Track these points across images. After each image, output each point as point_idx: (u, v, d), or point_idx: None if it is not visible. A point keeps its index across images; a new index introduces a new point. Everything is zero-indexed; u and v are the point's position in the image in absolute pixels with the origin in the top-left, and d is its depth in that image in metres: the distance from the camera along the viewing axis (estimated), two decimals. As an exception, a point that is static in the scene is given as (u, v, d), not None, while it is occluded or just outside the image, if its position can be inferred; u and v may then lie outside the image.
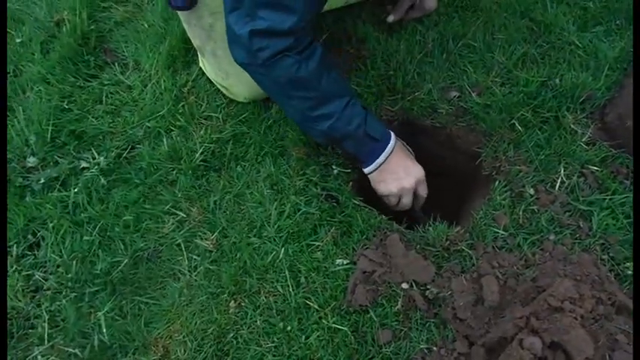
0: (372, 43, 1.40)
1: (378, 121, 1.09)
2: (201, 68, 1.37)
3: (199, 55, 1.32)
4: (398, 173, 1.10)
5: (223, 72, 1.24)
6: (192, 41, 1.27)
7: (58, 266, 1.11)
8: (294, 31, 0.91)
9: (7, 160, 1.24)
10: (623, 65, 1.29)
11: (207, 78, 1.36)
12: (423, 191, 1.16)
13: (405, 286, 1.03)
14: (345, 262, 1.08)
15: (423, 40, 1.41)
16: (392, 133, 1.09)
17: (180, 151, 1.25)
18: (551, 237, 1.06)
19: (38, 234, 1.16)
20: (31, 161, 1.25)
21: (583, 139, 1.18)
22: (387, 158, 1.08)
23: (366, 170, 1.11)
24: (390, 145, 1.07)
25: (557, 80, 1.27)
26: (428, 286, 1.03)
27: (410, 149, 1.15)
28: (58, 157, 1.27)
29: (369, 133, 1.04)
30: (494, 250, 1.06)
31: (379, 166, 1.09)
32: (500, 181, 1.16)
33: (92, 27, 1.50)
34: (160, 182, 1.22)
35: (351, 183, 1.20)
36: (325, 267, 1.08)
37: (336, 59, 1.36)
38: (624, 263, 1.03)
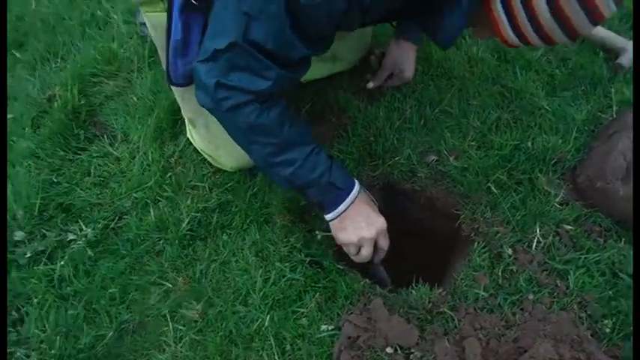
0: (353, 111, 1.47)
1: (343, 170, 1.09)
2: (188, 139, 1.42)
3: (188, 126, 1.37)
4: (359, 222, 1.08)
5: (213, 144, 1.29)
6: (184, 114, 1.33)
7: (42, 342, 1.11)
8: (260, 92, 0.94)
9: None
10: (590, 128, 1.36)
11: (195, 148, 1.41)
12: (384, 243, 1.13)
13: (389, 350, 1.04)
14: (330, 328, 1.08)
15: (401, 107, 1.48)
16: (356, 182, 1.09)
17: (167, 221, 1.28)
18: (530, 296, 1.08)
19: (22, 310, 1.16)
20: (18, 236, 1.27)
21: (557, 200, 1.23)
22: (348, 207, 1.07)
23: (327, 217, 1.10)
24: (352, 193, 1.07)
25: (530, 143, 1.33)
26: (412, 350, 1.03)
27: (374, 200, 1.14)
28: (45, 230, 1.29)
29: (333, 181, 1.04)
30: (475, 312, 1.08)
31: (340, 214, 1.07)
32: (479, 242, 1.19)
33: (83, 102, 1.56)
34: (147, 253, 1.24)
35: (334, 248, 1.22)
36: (310, 333, 1.08)
37: (319, 128, 1.42)
38: (602, 321, 1.05)
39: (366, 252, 1.10)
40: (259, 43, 0.85)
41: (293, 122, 1.01)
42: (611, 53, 1.50)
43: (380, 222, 1.09)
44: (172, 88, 1.25)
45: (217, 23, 0.91)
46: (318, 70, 1.41)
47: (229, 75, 0.92)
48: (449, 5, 0.83)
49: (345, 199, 1.05)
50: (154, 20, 1.16)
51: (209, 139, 1.30)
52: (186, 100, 1.26)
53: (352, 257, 1.13)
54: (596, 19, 0.79)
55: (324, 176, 1.03)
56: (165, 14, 1.08)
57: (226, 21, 0.87)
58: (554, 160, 1.29)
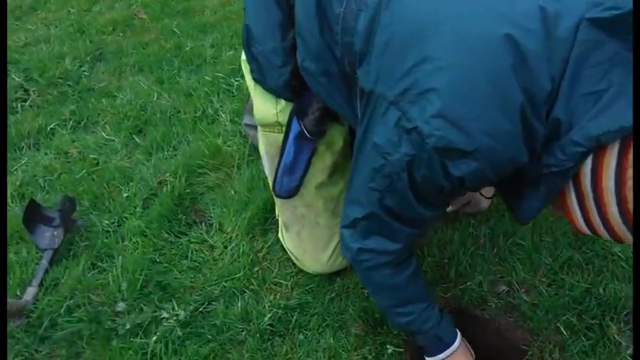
0: (429, 231, 1.58)
1: (450, 325, 1.20)
2: (277, 238, 1.56)
3: (281, 228, 1.51)
4: None
5: (301, 249, 1.42)
6: (280, 217, 1.48)
7: (131, 413, 1.21)
8: (395, 252, 1.07)
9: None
10: (663, 281, 1.40)
11: (282, 247, 1.55)
12: None
13: None
14: None
15: (475, 234, 1.57)
16: (458, 336, 1.20)
17: (251, 313, 1.39)
18: None
19: (119, 379, 1.28)
20: (121, 306, 1.42)
21: (628, 352, 1.25)
22: (448, 357, 1.17)
23: (426, 358, 1.21)
24: (454, 346, 1.17)
25: (602, 289, 1.38)
26: None
27: (472, 352, 1.24)
28: (144, 304, 1.43)
29: (440, 335, 1.16)
30: None
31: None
32: (546, 382, 1.23)
33: (188, 190, 1.76)
34: (230, 341, 1.35)
35: (404, 365, 1.29)
36: None
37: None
38: None
39: None
40: (393, 210, 0.97)
41: (417, 280, 1.14)
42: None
43: None
44: (274, 195, 1.42)
45: (354, 191, 1.03)
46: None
47: (367, 239, 1.05)
48: (529, 189, 0.90)
49: (446, 350, 1.17)
50: (270, 137, 1.33)
51: (298, 244, 1.44)
52: (285, 208, 1.41)
53: None
54: None
55: (433, 329, 1.15)
56: (281, 135, 1.26)
57: (362, 193, 0.99)
58: (627, 310, 1.33)
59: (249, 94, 1.99)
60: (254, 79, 1.23)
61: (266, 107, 1.24)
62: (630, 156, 0.74)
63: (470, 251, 1.52)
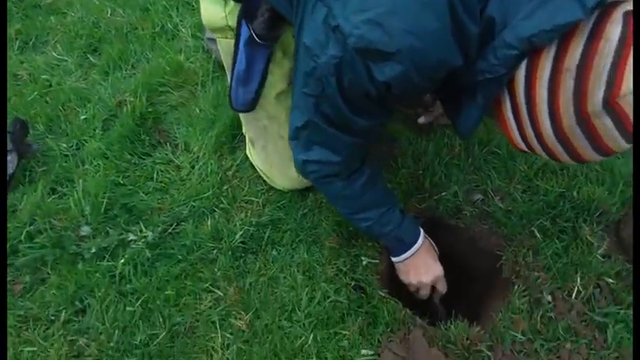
0: (404, 143, 1.53)
1: (412, 226, 1.20)
2: (246, 155, 1.50)
3: (248, 144, 1.45)
4: (419, 269, 1.22)
5: (268, 164, 1.37)
6: (245, 132, 1.41)
7: (101, 334, 1.19)
8: (340, 163, 1.04)
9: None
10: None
11: (251, 164, 1.49)
12: (442, 288, 1.27)
13: (426, 381, 1.09)
14: (369, 353, 1.14)
15: (450, 144, 1.53)
16: (421, 234, 1.21)
17: (221, 232, 1.35)
18: (568, 345, 1.12)
19: (85, 301, 1.24)
20: (85, 230, 1.36)
21: (599, 252, 1.26)
22: (411, 255, 1.20)
23: (393, 260, 1.24)
24: (416, 246, 1.19)
25: (575, 193, 1.37)
26: (448, 384, 1.08)
27: (435, 248, 1.27)
28: (110, 228, 1.38)
29: (400, 237, 1.18)
30: (512, 354, 1.12)
31: (404, 260, 1.21)
32: (519, 285, 1.23)
33: (150, 109, 1.66)
34: (201, 260, 1.32)
35: (379, 275, 1.28)
36: (351, 356, 1.14)
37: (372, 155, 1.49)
38: (638, 378, 1.07)
39: (423, 293, 1.25)
40: (329, 116, 0.93)
41: (373, 188, 1.13)
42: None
43: (437, 270, 1.23)
44: None
45: (295, 98, 0.99)
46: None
47: (310, 150, 1.02)
48: (467, 98, 0.85)
49: (409, 250, 1.19)
50: (223, 44, 1.23)
51: (265, 159, 1.38)
52: (248, 120, 1.34)
53: (412, 293, 1.27)
54: (603, 152, 0.75)
55: (393, 231, 1.17)
56: (233, 41, 1.16)
57: (300, 99, 0.95)
58: (599, 211, 1.33)
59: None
60: None
61: (214, 9, 1.14)
62: (567, 60, 0.68)
63: (445, 161, 1.48)
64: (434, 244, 1.27)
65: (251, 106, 1.23)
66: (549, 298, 1.20)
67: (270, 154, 1.35)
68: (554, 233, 1.31)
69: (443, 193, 1.42)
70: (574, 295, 1.20)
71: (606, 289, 1.21)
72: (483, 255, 1.36)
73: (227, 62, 1.26)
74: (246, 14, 1.08)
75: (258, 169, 1.45)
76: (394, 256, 1.22)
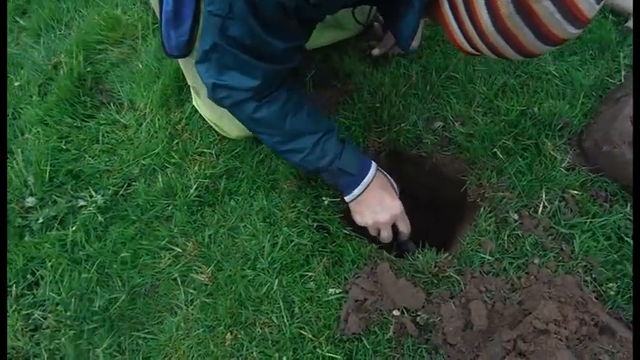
0: (358, 77, 1.46)
1: (357, 155, 1.11)
2: (194, 106, 1.42)
3: (193, 94, 1.37)
4: (374, 207, 1.11)
5: (217, 113, 1.29)
6: (188, 81, 1.32)
7: (57, 304, 1.14)
8: (253, 89, 0.97)
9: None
10: (598, 93, 1.35)
11: (201, 115, 1.41)
12: (403, 227, 1.17)
13: (396, 313, 1.06)
14: (337, 292, 1.11)
15: (407, 74, 1.47)
16: (372, 167, 1.11)
17: (175, 187, 1.29)
18: (536, 260, 1.10)
19: (37, 273, 1.19)
20: (30, 201, 1.29)
21: (563, 165, 1.23)
22: (363, 191, 1.10)
23: (345, 199, 1.14)
24: (366, 179, 1.09)
25: (536, 109, 1.33)
26: (418, 313, 1.06)
27: (393, 183, 1.17)
28: (57, 196, 1.31)
29: (343, 168, 1.07)
30: (481, 275, 1.09)
31: (355, 197, 1.11)
32: (485, 208, 1.20)
33: (88, 69, 1.56)
34: (156, 218, 1.26)
35: (341, 214, 1.24)
36: (318, 297, 1.11)
37: (324, 94, 1.42)
38: (607, 284, 1.06)
39: (384, 235, 1.14)
40: (238, 40, 0.86)
41: (297, 113, 1.04)
42: (621, 17, 1.47)
43: (395, 207, 1.12)
44: (179, 60, 1.25)
45: (203, 21, 0.91)
46: (322, 37, 1.40)
47: (222, 75, 0.95)
48: (405, 6, 0.81)
49: (358, 184, 1.08)
50: None
51: (212, 108, 1.30)
52: (188, 69, 1.25)
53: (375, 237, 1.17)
54: (550, 41, 0.70)
55: (334, 163, 1.06)
56: None
57: (207, 21, 0.88)
58: (561, 125, 1.29)
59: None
60: None
61: None
62: None
63: (402, 92, 1.42)
64: (391, 180, 1.17)
65: (186, 50, 1.13)
66: (515, 216, 1.18)
67: None
68: (517, 152, 1.27)
69: (402, 124, 1.37)
70: (540, 211, 1.18)
71: (571, 201, 1.18)
72: (447, 182, 1.33)
73: (156, 7, 1.16)
74: None
75: (207, 120, 1.37)
76: (345, 194, 1.12)
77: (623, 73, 1.37)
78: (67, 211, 1.28)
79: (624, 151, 1.14)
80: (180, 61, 1.26)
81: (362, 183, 1.09)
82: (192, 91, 1.37)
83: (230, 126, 1.31)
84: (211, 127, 1.39)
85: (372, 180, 1.10)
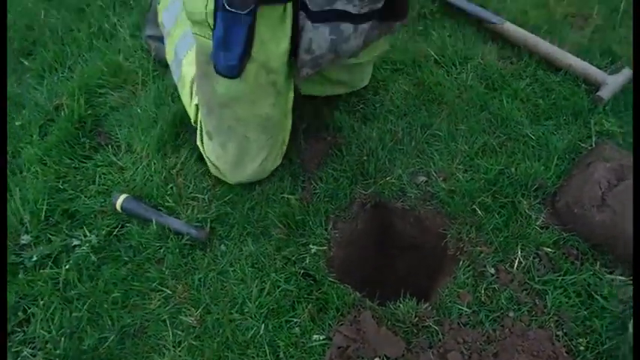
0: (348, 131, 1.55)
1: None
2: (190, 151, 1.48)
3: (203, 135, 1.40)
4: None
5: (224, 160, 1.35)
6: (204, 125, 1.36)
7: (47, 342, 1.16)
8: None
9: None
10: (571, 156, 1.45)
11: (196, 161, 1.47)
12: None
13: (377, 361, 1.11)
14: (321, 338, 1.15)
15: (393, 129, 1.56)
16: None
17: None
18: (511, 314, 1.16)
19: (29, 311, 1.21)
20: (25, 239, 1.32)
21: (537, 223, 1.31)
22: None
23: None
24: None
25: (514, 169, 1.41)
26: (398, 361, 1.10)
27: None
28: (51, 235, 1.34)
29: None
30: (459, 327, 1.15)
31: None
32: (463, 261, 1.27)
33: (89, 112, 1.62)
34: (148, 260, 1.30)
35: (326, 261, 1.29)
36: (303, 342, 1.15)
37: (316, 146, 1.50)
38: (577, 339, 1.12)
39: None
40: None
41: None
42: (592, 86, 1.59)
43: None
44: (200, 104, 1.32)
45: None
46: (320, 88, 1.49)
47: None
48: None
49: None
50: (201, 43, 1.19)
51: (222, 155, 1.35)
52: (212, 117, 1.30)
53: None
54: None
55: None
56: (210, 42, 1.14)
57: None
58: (536, 185, 1.37)
59: (149, 5, 1.83)
60: None
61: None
62: None
63: (388, 147, 1.51)
64: None
65: (235, 72, 1.16)
66: (492, 270, 1.24)
67: (230, 152, 1.33)
68: (495, 209, 1.35)
69: (388, 178, 1.44)
70: (515, 266, 1.24)
71: (545, 258, 1.25)
72: (429, 234, 1.39)
73: (199, 60, 1.23)
74: None
75: (207, 161, 1.41)
76: None
77: (594, 138, 1.48)
78: (61, 250, 1.32)
79: (593, 213, 1.23)
80: (203, 110, 1.31)
81: None
82: (202, 132, 1.40)
83: (234, 174, 1.37)
84: (206, 172, 1.45)
85: None
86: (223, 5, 1.07)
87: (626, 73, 1.56)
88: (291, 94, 1.33)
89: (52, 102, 1.65)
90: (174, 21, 1.59)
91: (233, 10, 1.07)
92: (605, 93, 1.52)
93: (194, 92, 1.41)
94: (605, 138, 1.48)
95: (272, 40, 1.13)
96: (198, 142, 1.44)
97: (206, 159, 1.43)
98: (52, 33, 1.89)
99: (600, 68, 1.61)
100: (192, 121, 1.47)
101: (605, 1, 1.87)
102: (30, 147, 1.53)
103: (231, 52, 1.13)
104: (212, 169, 1.43)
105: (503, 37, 1.77)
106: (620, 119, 1.50)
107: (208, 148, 1.40)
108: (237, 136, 1.30)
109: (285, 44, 1.15)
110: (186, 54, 1.49)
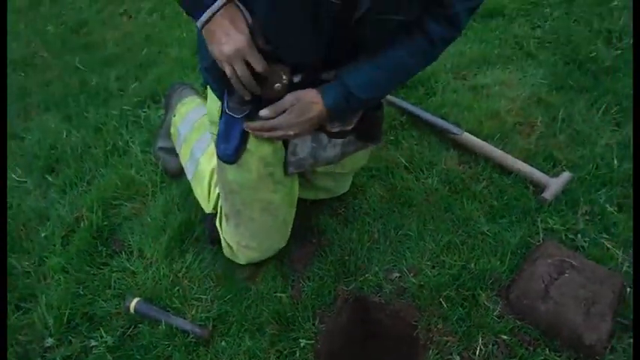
0: (331, 233, 1.78)
1: None
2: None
3: (222, 216, 1.60)
4: (219, 37, 1.12)
5: (236, 241, 1.56)
6: (223, 206, 1.57)
7: None
8: None
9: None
10: (522, 251, 1.68)
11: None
12: (254, 62, 1.15)
13: None
14: None
15: (370, 230, 1.79)
16: None
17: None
18: (473, 398, 1.34)
19: (52, 409, 1.38)
20: (49, 342, 1.51)
21: (494, 314, 1.51)
22: (207, 20, 1.11)
23: (197, 25, 1.16)
24: (212, 8, 1.10)
25: (473, 264, 1.64)
26: None
27: (248, 18, 1.13)
28: (72, 337, 1.53)
29: None
30: (428, 411, 1.32)
31: (203, 25, 1.12)
32: (433, 350, 1.46)
33: (105, 222, 1.86)
34: (158, 358, 1.48)
35: (314, 353, 1.48)
36: None
37: (302, 250, 1.73)
38: (531, 421, 1.30)
39: (239, 70, 1.16)
40: None
41: None
42: (538, 187, 1.85)
43: (238, 39, 1.11)
44: (219, 190, 1.55)
45: None
46: (308, 193, 1.76)
47: None
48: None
49: (204, 13, 1.11)
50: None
51: (235, 234, 1.57)
52: (227, 200, 1.52)
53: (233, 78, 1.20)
54: None
55: None
56: None
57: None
58: (492, 279, 1.59)
59: (161, 123, 2.12)
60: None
61: (214, 104, 1.40)
62: None
63: (366, 246, 1.74)
64: (247, 14, 1.13)
65: (232, 159, 1.39)
66: (458, 358, 1.43)
67: (242, 232, 1.54)
68: (459, 301, 1.56)
69: (366, 275, 1.66)
70: (477, 354, 1.44)
71: (502, 345, 1.45)
72: (404, 326, 1.59)
73: (185, 165, 1.49)
74: (229, 89, 1.30)
75: (223, 242, 1.63)
76: (195, 20, 1.13)
77: (541, 235, 1.72)
78: (80, 351, 1.50)
79: (539, 304, 1.44)
80: (222, 194, 1.54)
81: (207, 12, 1.10)
82: (221, 214, 1.60)
83: (245, 253, 1.59)
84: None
85: (218, 9, 1.10)
86: (225, 109, 1.36)
87: (565, 176, 1.83)
88: (296, 187, 1.58)
89: (73, 214, 1.89)
90: (191, 128, 1.89)
91: (230, 113, 1.35)
92: (548, 194, 1.78)
93: (213, 183, 1.69)
94: (550, 234, 1.71)
95: (266, 139, 1.38)
96: (217, 223, 1.67)
97: (222, 240, 1.64)
98: (72, 151, 2.17)
99: (544, 172, 1.88)
100: (208, 209, 1.71)
101: (546, 111, 2.18)
102: (53, 256, 1.75)
103: (228, 144, 1.39)
104: (226, 250, 1.64)
105: (462, 146, 2.05)
106: (562, 217, 1.75)
107: (225, 228, 1.62)
108: (245, 218, 1.52)
109: (278, 143, 1.42)
110: (203, 153, 1.77)
